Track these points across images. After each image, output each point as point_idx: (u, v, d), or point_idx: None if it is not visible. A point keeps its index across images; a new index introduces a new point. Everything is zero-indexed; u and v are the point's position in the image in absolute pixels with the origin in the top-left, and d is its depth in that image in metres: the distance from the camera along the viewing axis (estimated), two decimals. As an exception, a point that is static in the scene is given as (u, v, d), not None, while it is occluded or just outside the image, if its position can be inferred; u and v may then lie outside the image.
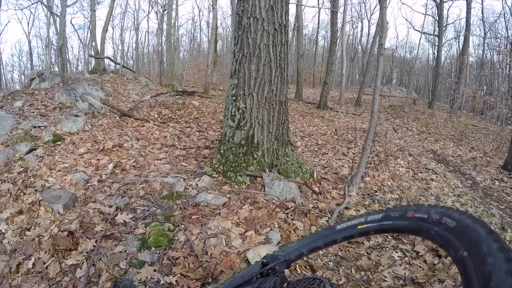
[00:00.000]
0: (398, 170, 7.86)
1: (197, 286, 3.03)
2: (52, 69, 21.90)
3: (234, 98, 5.20)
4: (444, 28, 25.06)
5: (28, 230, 3.61)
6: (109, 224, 3.71)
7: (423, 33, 26.27)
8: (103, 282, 2.96)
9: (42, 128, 6.75)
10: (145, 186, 4.74)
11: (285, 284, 1.06)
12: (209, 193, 4.59)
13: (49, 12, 27.06)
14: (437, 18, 22.91)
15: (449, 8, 35.48)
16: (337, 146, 9.36)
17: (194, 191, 4.70)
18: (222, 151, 5.39)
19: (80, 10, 47.00)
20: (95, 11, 17.70)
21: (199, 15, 65.09)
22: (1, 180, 4.58)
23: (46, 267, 3.11)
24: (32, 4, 29.46)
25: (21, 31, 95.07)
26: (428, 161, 9.42)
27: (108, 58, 20.21)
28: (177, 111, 11.06)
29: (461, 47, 24.72)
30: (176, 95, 13.60)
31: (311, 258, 3.62)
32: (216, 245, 3.60)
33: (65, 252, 3.24)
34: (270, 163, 5.29)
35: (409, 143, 12.04)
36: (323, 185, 5.75)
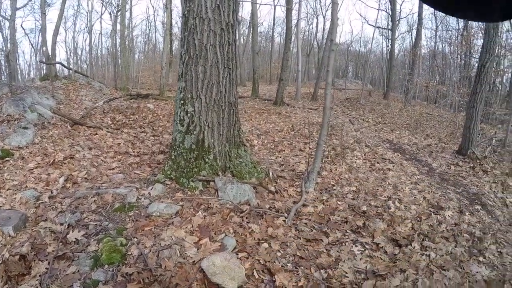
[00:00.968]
0: (355, 162, 7.98)
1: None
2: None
3: (182, 101, 5.08)
4: (397, 22, 25.95)
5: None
6: (60, 243, 3.54)
7: (377, 27, 27.06)
8: (57, 307, 2.83)
9: (-12, 144, 6.41)
10: (97, 199, 4.56)
11: None
12: (162, 201, 4.47)
13: (-3, 16, 25.57)
14: (391, 13, 23.75)
15: (402, 3, 36.88)
16: (294, 142, 9.41)
17: (147, 201, 4.57)
18: (173, 157, 5.26)
19: (31, 12, 44.94)
20: (45, 14, 16.74)
21: (154, 15, 63.85)
22: None
23: (0, 296, 2.94)
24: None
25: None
26: (384, 151, 9.64)
27: (60, 63, 19.30)
28: (131, 116, 10.79)
29: (413, 39, 25.81)
30: (131, 99, 13.26)
31: (268, 261, 3.57)
32: (170, 257, 3.50)
33: (18, 278, 3.06)
34: (223, 166, 5.22)
35: (366, 134, 12.29)
36: (280, 184, 5.74)
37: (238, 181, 4.90)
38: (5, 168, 5.69)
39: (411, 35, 32.67)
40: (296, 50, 22.94)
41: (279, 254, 3.78)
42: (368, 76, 37.79)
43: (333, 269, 3.64)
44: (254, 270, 3.42)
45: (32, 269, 3.16)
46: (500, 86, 23.96)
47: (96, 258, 3.34)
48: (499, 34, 13.61)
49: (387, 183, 6.77)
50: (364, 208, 5.16)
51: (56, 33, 17.91)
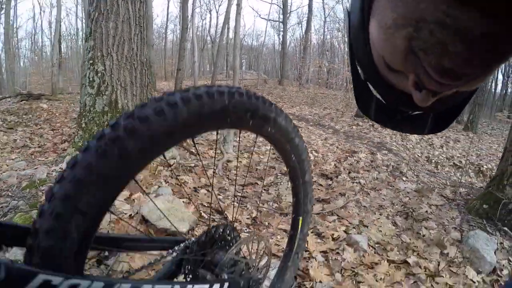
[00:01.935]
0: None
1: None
2: None
3: (91, 61, 4.58)
4: (288, 15, 27.11)
5: None
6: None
7: (269, 20, 27.99)
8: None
9: None
10: (-1, 185, 3.91)
11: None
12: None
13: None
14: (282, 6, 24.71)
15: (293, -3, 38.80)
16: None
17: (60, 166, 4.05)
18: (83, 125, 4.72)
19: None
20: None
21: (41, 14, 58.21)
22: None
23: None
24: None
25: None
26: (291, 120, 9.95)
27: None
28: (24, 116, 9.65)
29: (304, 30, 27.37)
30: (21, 101, 11.84)
31: (213, 203, 3.37)
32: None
33: None
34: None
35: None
36: (199, 148, 5.57)
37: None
38: None
39: (301, 26, 34.60)
40: (191, 42, 22.63)
41: (220, 197, 3.61)
42: (262, 68, 39.03)
43: (279, 202, 3.58)
44: (202, 212, 3.18)
45: None
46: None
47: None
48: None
49: (300, 141, 6.96)
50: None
51: None
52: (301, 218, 1.52)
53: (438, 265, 2.49)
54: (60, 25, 22.01)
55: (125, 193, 3.45)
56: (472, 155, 8.07)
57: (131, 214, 3.00)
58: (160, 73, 35.66)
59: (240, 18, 5.91)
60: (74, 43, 36.21)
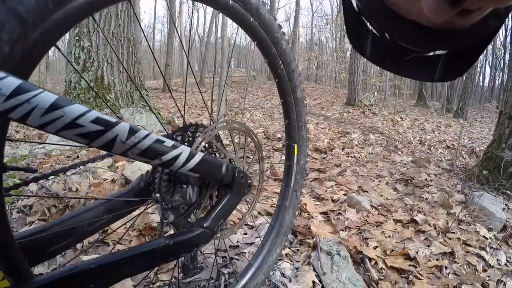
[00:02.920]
0: (256, 115, 7.98)
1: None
2: None
3: (77, 38, 4.38)
4: (276, 11, 27.14)
5: None
6: None
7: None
8: None
9: None
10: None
11: None
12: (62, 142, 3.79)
13: None
14: (269, 3, 24.68)
15: (280, -6, 39.10)
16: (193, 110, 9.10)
17: (42, 150, 3.83)
18: (69, 101, 4.52)
19: None
20: None
21: None
22: None
23: None
24: None
25: None
26: (281, 110, 9.85)
27: None
28: None
29: (292, 26, 27.56)
30: None
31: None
32: (81, 182, 2.91)
33: None
34: (125, 108, 4.65)
35: (259, 102, 12.47)
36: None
37: (145, 111, 4.39)
38: None
39: (289, 23, 34.76)
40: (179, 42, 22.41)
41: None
42: (251, 65, 39.30)
43: (272, 170, 3.42)
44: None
45: None
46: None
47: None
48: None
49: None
50: (278, 135, 5.06)
51: None
52: (296, 145, 1.36)
53: (447, 223, 2.33)
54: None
55: (109, 160, 3.29)
56: (464, 139, 8.01)
57: (113, 179, 2.83)
58: (148, 72, 35.36)
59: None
60: (62, 45, 35.76)
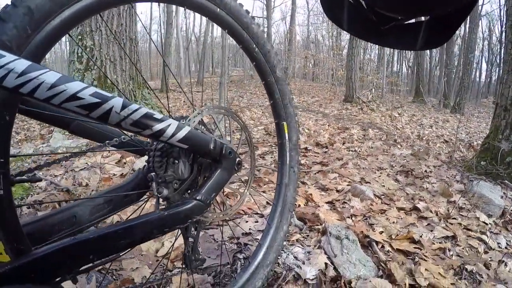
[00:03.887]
0: (256, 113, 8.02)
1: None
2: None
3: (79, 37, 4.44)
4: (272, 10, 27.19)
5: None
6: None
7: (253, 17, 28.09)
8: None
9: None
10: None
11: None
12: (68, 140, 3.87)
13: None
14: (265, 2, 24.72)
15: (276, -7, 39.21)
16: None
17: (47, 148, 3.90)
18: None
19: None
20: None
21: None
22: None
23: None
24: None
25: None
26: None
27: None
28: None
29: (288, 24, 27.57)
30: None
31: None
32: (91, 177, 2.98)
33: None
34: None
35: (258, 100, 12.54)
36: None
37: (149, 108, 4.46)
38: None
39: (285, 22, 34.84)
40: (176, 40, 22.42)
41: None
42: (248, 64, 39.55)
43: (276, 163, 3.49)
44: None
45: None
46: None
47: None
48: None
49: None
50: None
51: None
52: (285, 123, 1.40)
53: (448, 210, 2.42)
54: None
55: (116, 156, 3.36)
56: (461, 133, 8.11)
57: (122, 173, 2.90)
58: (145, 74, 35.36)
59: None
60: (58, 46, 35.71)
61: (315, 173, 3.12)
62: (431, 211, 2.36)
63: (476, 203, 2.57)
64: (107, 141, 0.96)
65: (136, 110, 0.71)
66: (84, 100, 0.62)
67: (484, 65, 35.69)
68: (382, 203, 2.51)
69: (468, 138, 7.56)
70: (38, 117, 0.92)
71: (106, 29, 4.45)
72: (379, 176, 3.21)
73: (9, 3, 0.64)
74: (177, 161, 0.96)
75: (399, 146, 4.70)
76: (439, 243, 1.92)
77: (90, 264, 0.77)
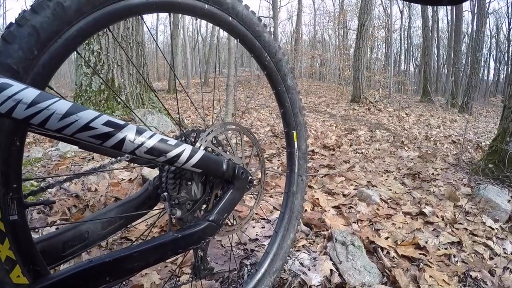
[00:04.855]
0: (263, 114, 8.04)
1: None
2: None
3: (86, 42, 4.48)
4: (278, 10, 27.20)
5: None
6: None
7: (260, 16, 28.26)
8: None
9: None
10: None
11: None
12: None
13: None
14: (271, 2, 24.72)
15: (283, -8, 39.28)
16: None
17: (56, 152, 3.94)
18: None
19: None
20: None
21: None
22: None
23: None
24: None
25: None
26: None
27: None
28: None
29: (294, 26, 27.54)
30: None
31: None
32: (99, 182, 3.01)
33: None
34: (137, 109, 4.76)
35: (266, 101, 12.55)
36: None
37: (157, 111, 4.49)
38: None
39: (292, 22, 34.82)
40: (183, 40, 22.52)
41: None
42: (254, 65, 39.77)
43: (283, 166, 3.51)
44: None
45: None
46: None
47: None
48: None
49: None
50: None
51: None
52: (295, 132, 1.40)
53: (455, 215, 2.42)
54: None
55: (124, 162, 3.38)
56: (469, 133, 8.06)
57: (131, 178, 2.93)
58: (152, 75, 35.52)
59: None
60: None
61: (322, 177, 3.13)
62: (437, 216, 2.37)
63: (483, 208, 2.57)
64: (119, 158, 0.98)
65: (150, 137, 0.71)
66: (97, 130, 0.62)
67: (492, 63, 35.38)
68: (388, 207, 2.52)
69: (476, 138, 7.51)
70: (46, 134, 0.92)
71: (113, 33, 4.49)
72: (386, 179, 3.22)
73: (13, 21, 0.63)
74: (190, 183, 0.97)
75: (406, 148, 4.71)
76: (445, 249, 1.93)
77: (105, 285, 0.78)
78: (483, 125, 10.34)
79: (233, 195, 1.03)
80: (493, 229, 2.28)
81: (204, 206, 1.05)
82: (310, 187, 2.86)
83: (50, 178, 3.07)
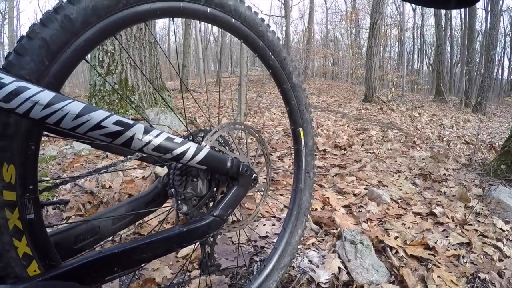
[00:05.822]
0: (275, 114, 8.06)
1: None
2: None
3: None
4: (290, 9, 27.17)
5: None
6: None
7: (271, 15, 28.12)
8: None
9: None
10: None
11: None
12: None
13: None
14: (283, 1, 24.69)
15: (295, -8, 39.23)
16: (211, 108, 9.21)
17: (70, 150, 4.01)
18: (94, 104, 4.69)
19: None
20: None
21: None
22: None
23: None
24: None
25: None
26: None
27: None
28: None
29: (306, 25, 27.50)
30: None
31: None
32: (113, 179, 3.07)
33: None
34: (150, 108, 4.81)
35: (278, 100, 12.56)
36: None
37: (169, 111, 4.54)
38: None
39: (303, 21, 34.75)
40: (195, 41, 22.63)
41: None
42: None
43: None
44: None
45: None
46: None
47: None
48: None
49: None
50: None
51: None
52: (301, 129, 1.42)
53: (465, 216, 2.42)
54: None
55: (135, 161, 3.44)
56: (483, 134, 7.99)
57: (144, 176, 2.98)
58: (165, 74, 35.79)
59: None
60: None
61: (333, 176, 3.15)
62: (447, 217, 2.37)
63: (494, 209, 2.57)
64: (129, 156, 1.02)
65: (157, 135, 0.76)
66: (107, 129, 0.67)
67: (506, 62, 34.81)
68: (398, 207, 2.53)
69: (490, 138, 7.44)
70: (59, 134, 0.94)
71: (126, 33, 4.54)
72: (397, 179, 3.22)
73: (24, 35, 0.67)
74: (195, 179, 1.01)
75: (418, 148, 4.69)
76: (454, 249, 1.94)
77: (114, 275, 0.83)
78: (496, 125, 10.22)
79: (237, 192, 1.07)
80: (503, 230, 2.28)
81: (212, 203, 1.09)
82: (320, 186, 2.89)
83: (65, 175, 3.14)
